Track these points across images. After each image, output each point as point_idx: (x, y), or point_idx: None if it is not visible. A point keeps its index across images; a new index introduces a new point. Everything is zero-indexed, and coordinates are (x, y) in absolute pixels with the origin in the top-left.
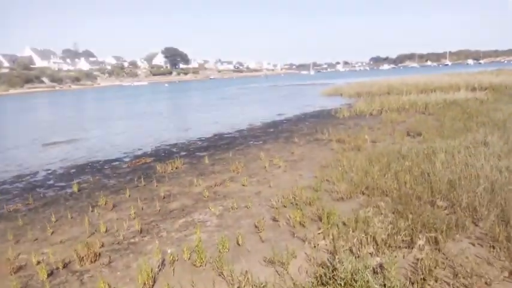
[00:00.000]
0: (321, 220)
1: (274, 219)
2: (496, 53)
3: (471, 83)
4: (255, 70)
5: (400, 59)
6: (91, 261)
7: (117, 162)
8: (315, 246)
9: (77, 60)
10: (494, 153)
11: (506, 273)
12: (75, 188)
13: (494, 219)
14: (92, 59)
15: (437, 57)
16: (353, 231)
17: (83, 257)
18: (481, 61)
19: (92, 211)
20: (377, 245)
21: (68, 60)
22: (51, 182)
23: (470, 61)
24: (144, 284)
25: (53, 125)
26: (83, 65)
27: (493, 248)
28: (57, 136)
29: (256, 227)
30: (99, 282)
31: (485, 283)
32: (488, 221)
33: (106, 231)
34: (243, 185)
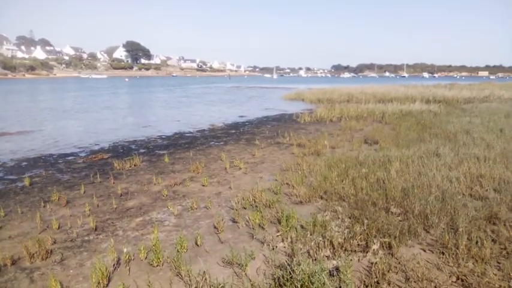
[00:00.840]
0: (280, 223)
1: (234, 221)
2: (450, 68)
3: (426, 95)
4: (219, 70)
5: (360, 69)
6: (42, 259)
7: (72, 157)
8: (273, 249)
9: (32, 48)
10: (446, 163)
11: (454, 278)
12: (26, 182)
13: (444, 227)
14: (48, 48)
15: (395, 68)
16: (311, 235)
17: (33, 254)
18: (436, 75)
19: (44, 207)
20: (334, 248)
21: (23, 47)
22: (0, 175)
23: (425, 74)
24: (98, 283)
25: (3, 115)
26: (39, 53)
27: (443, 254)
28: (8, 127)
29: (215, 227)
30: (50, 280)
31: (435, 287)
32: (439, 228)
33: (59, 227)
34: (203, 185)
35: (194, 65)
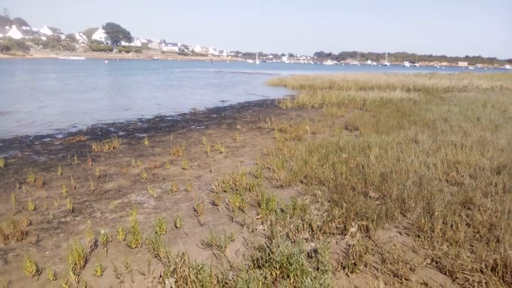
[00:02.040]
0: (260, 206)
1: (214, 204)
2: (430, 58)
3: (406, 84)
4: (201, 54)
5: (343, 56)
6: (17, 240)
7: (48, 139)
8: (253, 231)
9: (7, 27)
10: (424, 150)
11: (428, 261)
12: (0, 164)
13: (420, 211)
14: (24, 28)
15: (376, 57)
16: (290, 218)
17: (7, 235)
18: (416, 64)
19: (19, 188)
20: (312, 231)
21: None
22: None
23: (406, 63)
24: (75, 264)
25: None
26: (14, 33)
27: (418, 237)
28: None
29: (195, 210)
30: (26, 261)
31: (410, 269)
32: (415, 212)
33: (34, 209)
34: (184, 169)
35: (176, 49)
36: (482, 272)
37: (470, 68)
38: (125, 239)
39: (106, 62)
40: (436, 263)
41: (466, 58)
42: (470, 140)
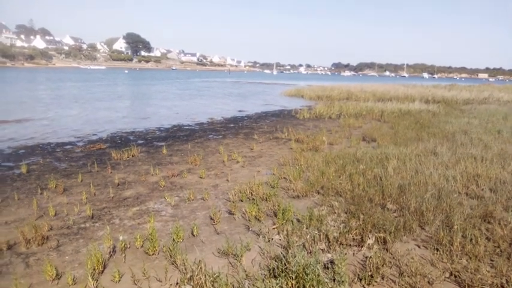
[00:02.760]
0: (276, 216)
1: (230, 213)
2: (450, 69)
3: (425, 95)
4: (219, 65)
5: (360, 67)
6: (38, 244)
7: (69, 146)
8: (269, 241)
9: (32, 37)
10: (443, 162)
11: (447, 274)
12: (23, 169)
13: (439, 224)
14: (48, 37)
15: (395, 68)
16: (307, 228)
17: (29, 240)
18: (435, 75)
19: (41, 194)
20: (329, 242)
21: (22, 36)
22: None
23: (425, 75)
24: (94, 269)
25: (2, 103)
26: (39, 43)
27: (437, 250)
28: (6, 114)
29: (211, 219)
30: (46, 265)
31: (428, 282)
32: (434, 225)
33: (55, 214)
34: (201, 177)
35: (194, 59)
36: (503, 287)
37: (490, 79)
38: (142, 246)
39: (126, 71)
40: (455, 277)
41: (487, 70)
42: (491, 153)
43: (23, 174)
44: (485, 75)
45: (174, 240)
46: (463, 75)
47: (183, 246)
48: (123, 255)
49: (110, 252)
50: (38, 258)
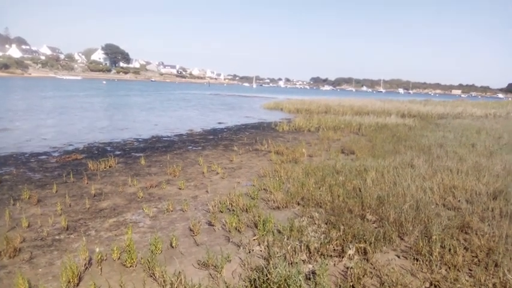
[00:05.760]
0: (256, 227)
1: (210, 224)
2: (424, 85)
3: (401, 109)
4: (198, 77)
5: (338, 82)
6: (9, 257)
7: (44, 156)
8: (249, 252)
9: (7, 46)
10: (420, 174)
11: (427, 284)
12: None
13: (418, 235)
14: (24, 46)
15: (372, 83)
16: (287, 239)
17: (0, 252)
18: (411, 91)
19: (14, 205)
20: (310, 252)
21: None
22: None
23: (401, 90)
24: (69, 282)
25: None
26: (14, 52)
27: (417, 260)
28: None
29: (191, 230)
30: (18, 278)
31: None
32: (413, 235)
33: (28, 226)
34: (180, 189)
35: (174, 71)
36: None
37: (463, 95)
38: (119, 258)
39: (104, 82)
40: (435, 286)
41: (460, 86)
42: (466, 166)
43: None
44: (458, 92)
45: (152, 252)
46: (438, 91)
47: (161, 258)
48: (100, 267)
49: (85, 265)
50: (9, 271)
